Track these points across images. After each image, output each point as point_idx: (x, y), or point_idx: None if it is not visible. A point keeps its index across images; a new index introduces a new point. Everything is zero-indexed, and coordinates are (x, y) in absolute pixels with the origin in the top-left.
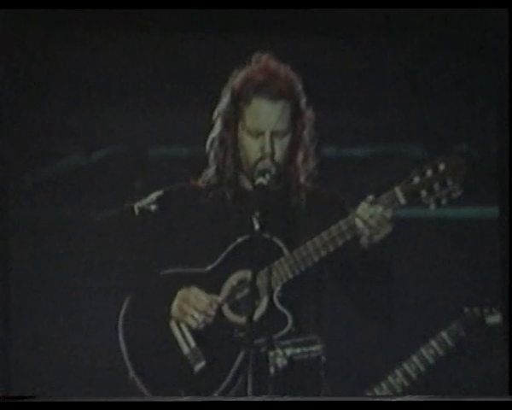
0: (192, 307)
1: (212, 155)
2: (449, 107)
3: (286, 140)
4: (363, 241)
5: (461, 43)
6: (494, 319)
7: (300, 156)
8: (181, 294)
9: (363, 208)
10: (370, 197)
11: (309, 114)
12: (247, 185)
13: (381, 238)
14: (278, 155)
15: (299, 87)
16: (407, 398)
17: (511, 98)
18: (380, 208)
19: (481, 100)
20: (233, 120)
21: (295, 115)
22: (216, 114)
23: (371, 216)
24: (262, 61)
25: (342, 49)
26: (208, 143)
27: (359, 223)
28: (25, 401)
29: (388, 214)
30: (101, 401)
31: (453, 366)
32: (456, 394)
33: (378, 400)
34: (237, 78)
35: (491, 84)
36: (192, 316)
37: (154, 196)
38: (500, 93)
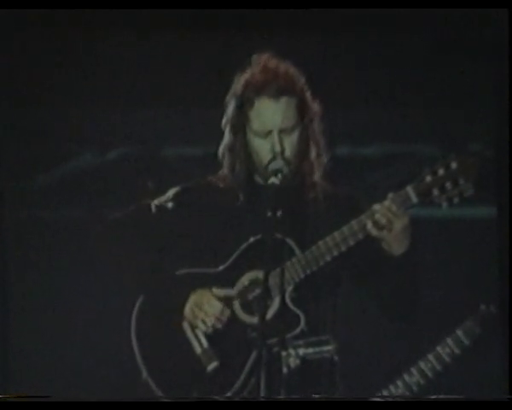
0: (203, 312)
1: (225, 161)
2: (459, 106)
3: (295, 136)
4: (384, 245)
5: (461, 43)
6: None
7: (313, 151)
8: (194, 297)
9: (375, 210)
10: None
11: (315, 107)
12: (261, 185)
13: (394, 237)
14: (289, 152)
15: (302, 82)
16: (406, 398)
17: (511, 98)
18: (391, 205)
19: (485, 100)
20: (239, 125)
21: (301, 110)
22: (224, 121)
23: (382, 215)
24: (261, 62)
25: (353, 49)
26: (220, 151)
27: (371, 226)
28: (34, 401)
29: (396, 208)
30: (112, 401)
31: (458, 366)
32: (457, 393)
33: (383, 400)
34: (238, 83)
35: (491, 84)
36: (203, 321)
37: (171, 192)
38: (500, 93)
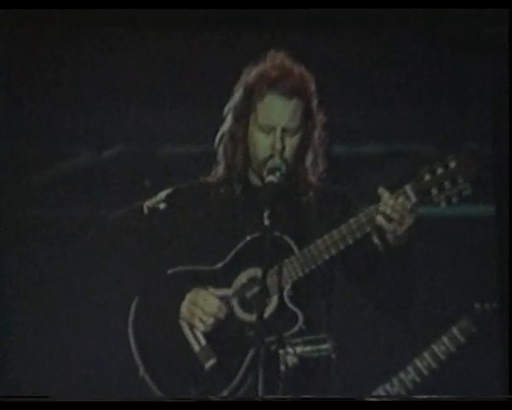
0: (200, 309)
1: (221, 150)
2: (458, 105)
3: (296, 139)
4: (389, 237)
5: (461, 42)
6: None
7: (310, 158)
8: (190, 296)
9: (384, 204)
10: (382, 189)
11: (320, 116)
12: (257, 182)
13: (404, 230)
14: (288, 153)
15: (313, 88)
16: (405, 398)
17: (511, 98)
18: (399, 199)
19: (485, 99)
20: (244, 114)
21: (307, 115)
22: (227, 109)
23: (393, 210)
24: (277, 59)
25: (351, 48)
26: (218, 137)
27: (381, 219)
28: (35, 400)
29: (409, 205)
30: (110, 401)
31: (457, 365)
32: (455, 393)
33: (380, 400)
34: (251, 73)
35: (491, 84)
36: (200, 319)
37: (163, 194)
38: (499, 93)
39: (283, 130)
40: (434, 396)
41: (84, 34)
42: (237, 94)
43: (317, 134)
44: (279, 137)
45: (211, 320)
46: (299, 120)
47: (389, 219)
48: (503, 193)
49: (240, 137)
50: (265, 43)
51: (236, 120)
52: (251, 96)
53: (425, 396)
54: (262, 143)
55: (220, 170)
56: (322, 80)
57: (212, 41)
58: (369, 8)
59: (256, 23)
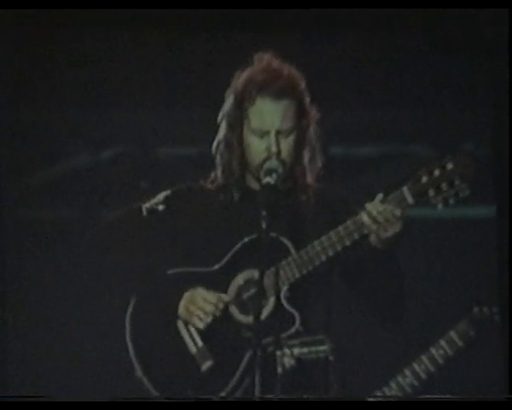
0: (199, 308)
1: (218, 157)
2: (457, 105)
3: (291, 139)
4: (372, 238)
5: (461, 43)
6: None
7: (307, 155)
8: (188, 295)
9: (373, 205)
10: (380, 195)
11: (313, 112)
12: (254, 185)
13: (389, 236)
14: (284, 154)
15: (303, 85)
16: (405, 398)
17: (511, 98)
18: (389, 206)
19: (484, 99)
20: (237, 121)
21: (299, 114)
22: (220, 116)
23: (379, 213)
24: (264, 61)
25: (348, 49)
26: (214, 145)
27: (366, 219)
28: (34, 400)
29: (398, 212)
30: (108, 401)
31: (456, 366)
32: (455, 393)
33: (379, 400)
34: (240, 79)
35: (490, 85)
36: (198, 317)
37: (161, 195)
38: (499, 93)
39: (277, 132)
40: (434, 396)
41: (83, 34)
42: (228, 101)
43: (312, 131)
44: (274, 141)
45: (209, 319)
46: (293, 120)
47: (374, 220)
48: (503, 194)
49: (235, 143)
50: (254, 44)
51: (230, 126)
52: (242, 103)
53: (425, 396)
54: (257, 148)
55: (218, 175)
56: (317, 81)
57: (211, 42)
58: (370, 8)
59: (243, 24)
